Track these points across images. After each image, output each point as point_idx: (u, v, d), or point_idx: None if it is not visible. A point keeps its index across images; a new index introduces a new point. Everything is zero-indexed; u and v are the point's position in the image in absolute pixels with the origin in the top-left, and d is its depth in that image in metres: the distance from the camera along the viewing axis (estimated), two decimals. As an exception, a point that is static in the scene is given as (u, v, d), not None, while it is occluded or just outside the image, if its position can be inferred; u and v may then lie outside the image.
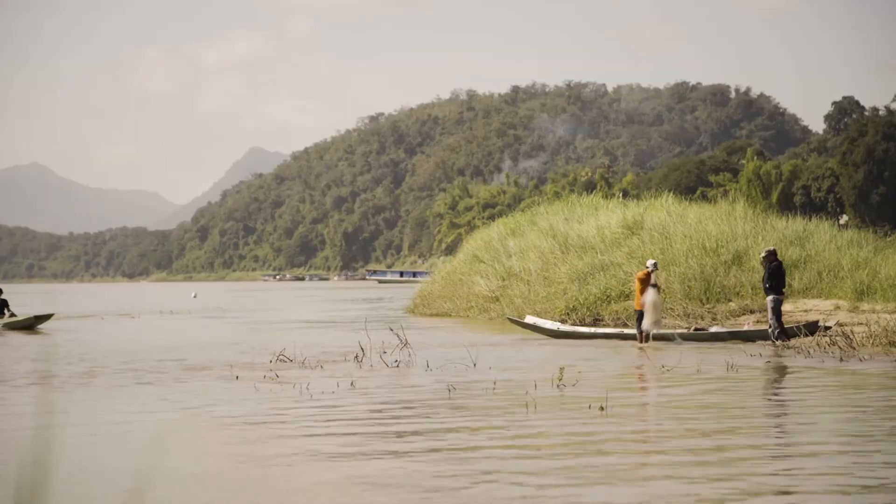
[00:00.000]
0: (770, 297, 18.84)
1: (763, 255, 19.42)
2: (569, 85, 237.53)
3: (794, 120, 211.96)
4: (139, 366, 16.27)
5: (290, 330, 26.13)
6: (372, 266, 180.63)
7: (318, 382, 13.45)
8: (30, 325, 27.06)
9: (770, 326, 18.82)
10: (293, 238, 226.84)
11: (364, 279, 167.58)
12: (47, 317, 27.68)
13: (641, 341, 19.52)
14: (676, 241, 25.37)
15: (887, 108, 79.70)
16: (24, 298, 70.76)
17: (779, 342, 18.31)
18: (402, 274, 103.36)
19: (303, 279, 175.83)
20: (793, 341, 18.02)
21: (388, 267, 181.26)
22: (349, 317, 33.32)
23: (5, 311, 27.21)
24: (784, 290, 19.13)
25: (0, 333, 25.63)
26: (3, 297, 27.66)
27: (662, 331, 20.11)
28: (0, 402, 12.25)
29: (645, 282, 19.81)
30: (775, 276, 18.88)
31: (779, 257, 19.69)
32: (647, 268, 19.94)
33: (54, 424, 10.41)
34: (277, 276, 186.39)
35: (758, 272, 23.23)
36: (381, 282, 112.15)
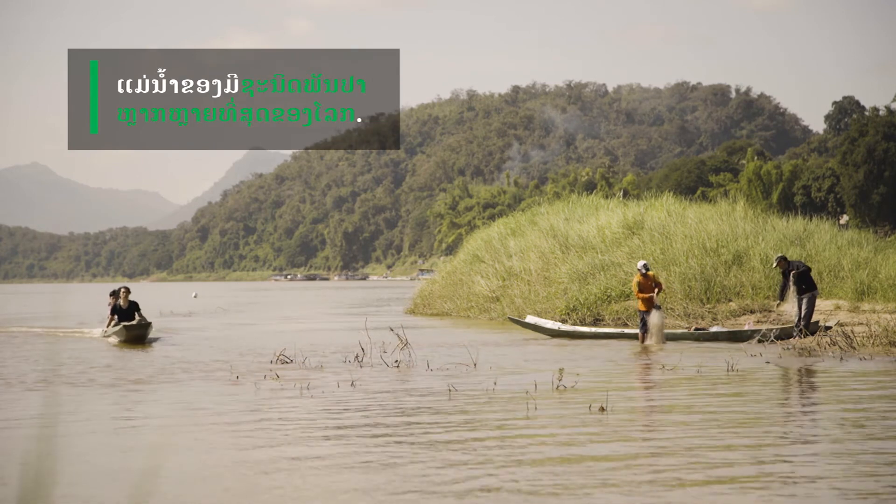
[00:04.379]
0: (810, 294, 18.69)
1: (780, 264, 19.22)
2: (569, 85, 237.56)
3: (795, 120, 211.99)
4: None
5: (343, 332, 26.09)
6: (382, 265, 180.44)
7: (319, 382, 13.45)
8: (137, 335, 20.65)
9: (801, 323, 18.69)
10: (293, 238, 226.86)
11: (364, 279, 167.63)
12: (144, 326, 20.81)
13: (643, 341, 19.50)
14: (677, 241, 25.37)
15: (887, 108, 79.66)
16: (33, 299, 70.73)
17: (796, 333, 18.29)
18: None
19: (314, 279, 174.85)
20: (792, 341, 18.01)
21: (389, 267, 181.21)
22: (357, 317, 33.32)
23: (136, 315, 21.14)
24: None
25: (116, 344, 20.53)
26: (132, 298, 21.73)
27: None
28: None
29: (643, 285, 19.64)
30: (805, 278, 18.82)
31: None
32: (639, 269, 19.76)
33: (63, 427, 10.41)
34: (289, 276, 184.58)
35: (758, 272, 23.23)
36: None
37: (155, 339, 21.56)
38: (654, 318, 19.37)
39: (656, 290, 19.74)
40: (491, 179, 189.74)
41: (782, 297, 19.36)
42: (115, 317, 21.20)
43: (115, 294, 21.80)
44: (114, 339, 21.02)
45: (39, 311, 40.66)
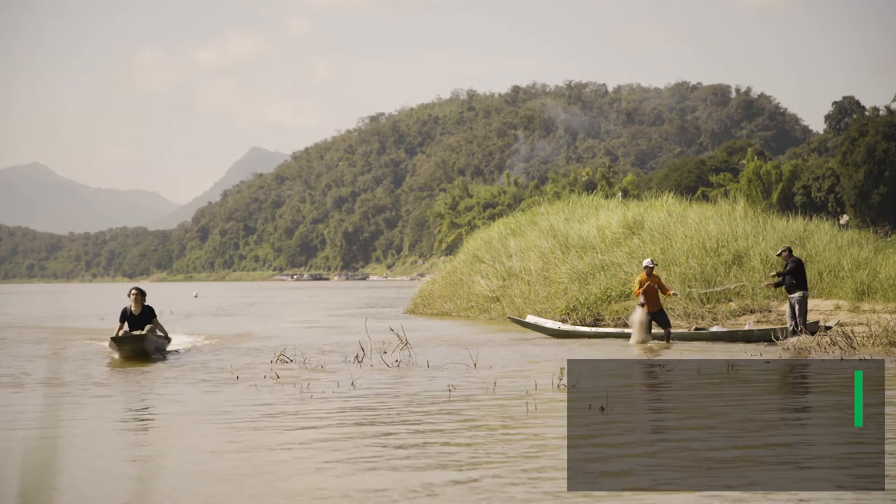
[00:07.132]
0: (798, 294, 18.66)
1: (784, 253, 19.15)
2: (569, 85, 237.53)
3: (795, 120, 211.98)
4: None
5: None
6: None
7: (319, 382, 13.45)
8: (132, 350, 16.81)
9: (794, 324, 18.63)
10: (293, 238, 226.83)
11: (364, 279, 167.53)
12: (139, 339, 16.73)
13: (643, 342, 19.49)
14: (677, 241, 25.37)
15: (887, 108, 79.65)
16: (37, 298, 70.74)
17: (797, 335, 18.15)
18: None
19: (319, 279, 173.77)
20: (791, 341, 17.97)
21: (389, 267, 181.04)
22: (354, 316, 33.29)
23: (150, 323, 17.44)
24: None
25: (117, 363, 16.61)
26: (148, 303, 17.72)
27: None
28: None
29: (645, 285, 19.60)
30: (798, 273, 18.79)
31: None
32: (646, 266, 19.77)
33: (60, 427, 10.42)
34: (295, 276, 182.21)
35: (758, 272, 23.21)
36: None
37: (173, 353, 18.15)
38: (636, 315, 19.44)
39: (671, 294, 20.14)
40: (491, 179, 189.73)
41: (779, 285, 19.33)
42: (125, 325, 17.37)
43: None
44: (115, 354, 17.14)
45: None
